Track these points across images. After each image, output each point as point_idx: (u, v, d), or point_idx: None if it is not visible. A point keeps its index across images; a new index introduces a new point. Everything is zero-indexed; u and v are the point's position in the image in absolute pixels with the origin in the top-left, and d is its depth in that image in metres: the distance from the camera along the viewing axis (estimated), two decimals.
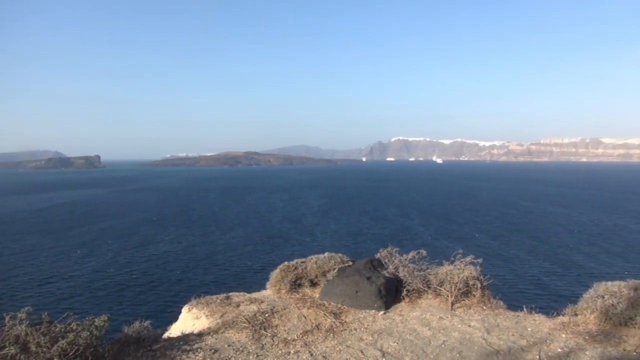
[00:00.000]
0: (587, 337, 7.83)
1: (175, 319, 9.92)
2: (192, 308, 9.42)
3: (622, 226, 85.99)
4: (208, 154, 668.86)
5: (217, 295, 9.93)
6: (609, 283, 9.06)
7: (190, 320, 9.12)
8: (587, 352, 7.31)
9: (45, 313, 6.54)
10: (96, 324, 6.60)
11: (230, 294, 10.15)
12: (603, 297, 8.62)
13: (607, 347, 7.46)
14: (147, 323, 7.62)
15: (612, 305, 8.34)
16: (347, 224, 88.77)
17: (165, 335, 8.40)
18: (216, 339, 7.77)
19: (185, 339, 7.72)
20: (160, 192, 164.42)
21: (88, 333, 6.38)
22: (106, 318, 6.78)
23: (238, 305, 9.34)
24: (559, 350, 7.42)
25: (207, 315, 8.94)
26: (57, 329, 6.32)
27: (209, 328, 8.29)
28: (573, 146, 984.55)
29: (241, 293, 10.31)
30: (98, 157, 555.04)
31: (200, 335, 7.94)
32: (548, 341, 7.77)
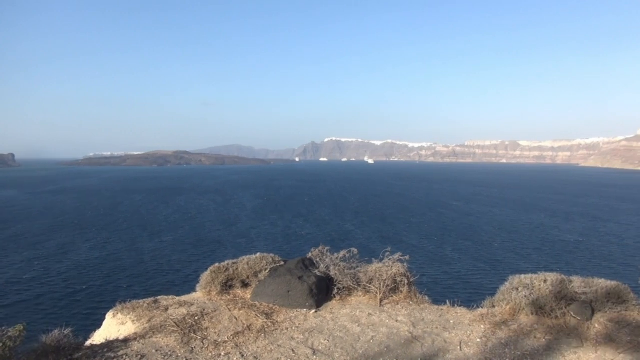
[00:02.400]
0: (503, 327, 8.40)
1: (99, 326, 9.47)
2: (117, 313, 9.03)
3: (539, 223, 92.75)
4: (135, 153, 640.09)
5: (144, 300, 9.58)
6: (523, 276, 9.76)
7: (115, 326, 8.75)
8: (502, 341, 7.85)
9: None
10: (10, 334, 6.17)
11: (159, 297, 9.83)
12: (517, 290, 9.28)
13: (520, 335, 8.06)
14: (67, 331, 7.22)
15: (525, 296, 9.00)
16: (281, 225, 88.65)
17: (88, 343, 8.01)
18: (143, 344, 7.52)
19: (110, 345, 7.41)
20: (82, 194, 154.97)
21: (0, 344, 5.96)
22: (22, 327, 6.36)
23: (166, 309, 9.08)
24: (478, 340, 7.92)
25: (133, 321, 8.61)
26: None
27: (135, 333, 8.00)
28: (494, 148, 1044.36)
29: (170, 296, 10.02)
30: (12, 155, 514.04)
31: (125, 341, 7.65)
32: (468, 332, 8.26)
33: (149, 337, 7.78)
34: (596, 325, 8.29)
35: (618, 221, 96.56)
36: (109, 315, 9.18)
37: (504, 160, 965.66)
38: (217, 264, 10.65)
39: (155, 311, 8.96)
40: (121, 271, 53.41)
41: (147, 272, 53.20)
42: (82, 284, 48.15)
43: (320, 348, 7.61)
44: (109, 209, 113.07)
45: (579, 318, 8.47)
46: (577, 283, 9.42)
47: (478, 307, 9.58)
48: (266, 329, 8.35)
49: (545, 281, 9.26)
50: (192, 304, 9.43)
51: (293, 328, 8.48)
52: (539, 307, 8.78)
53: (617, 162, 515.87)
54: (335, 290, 10.17)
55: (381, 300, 9.79)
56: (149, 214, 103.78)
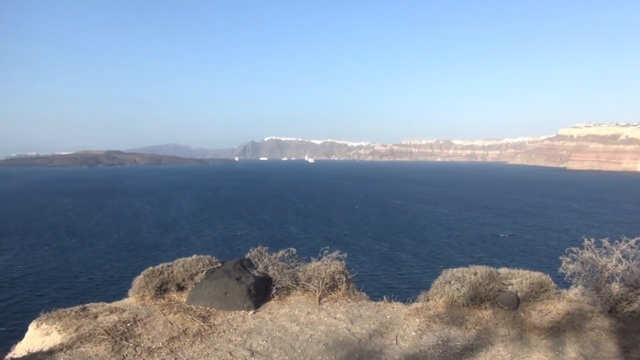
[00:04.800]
0: (436, 320, 8.71)
1: (21, 338, 8.85)
2: (42, 323, 8.46)
3: (473, 219, 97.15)
4: (63, 153, 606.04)
5: (72, 308, 9.02)
6: (455, 270, 10.18)
7: (39, 337, 8.20)
8: (436, 333, 8.15)
9: None
10: None
11: (87, 304, 9.31)
12: (450, 283, 9.66)
13: (452, 327, 8.40)
14: None
15: (457, 289, 9.39)
16: (221, 227, 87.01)
17: (8, 356, 7.48)
18: (70, 355, 7.11)
19: (32, 358, 6.97)
20: (2, 197, 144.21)
21: None
22: None
23: (96, 317, 8.63)
24: (413, 333, 8.17)
25: (59, 330, 8.11)
26: None
27: (61, 344, 7.55)
28: (429, 147, 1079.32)
29: (100, 303, 9.54)
30: None
31: (50, 352, 7.20)
32: (404, 326, 8.49)
33: (77, 347, 7.37)
34: (522, 314, 8.79)
35: (542, 215, 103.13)
36: (32, 326, 8.59)
37: (439, 159, 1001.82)
38: (150, 268, 10.29)
39: (83, 319, 8.49)
40: (49, 283, 49.53)
41: (77, 283, 49.82)
42: (1, 297, 44.65)
43: (258, 349, 7.55)
44: (33, 213, 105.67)
45: (506, 308, 8.95)
46: (505, 274, 9.96)
47: (413, 301, 9.89)
48: (203, 333, 8.16)
49: (475, 274, 9.71)
50: (123, 310, 9.03)
51: (231, 330, 8.35)
52: (469, 299, 9.20)
53: (541, 159, 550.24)
54: (274, 290, 10.12)
55: (320, 299, 9.86)
56: (79, 219, 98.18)
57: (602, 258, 9.04)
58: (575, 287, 9.42)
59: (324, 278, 10.02)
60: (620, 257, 8.89)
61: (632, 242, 8.84)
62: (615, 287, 8.65)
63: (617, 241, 9.06)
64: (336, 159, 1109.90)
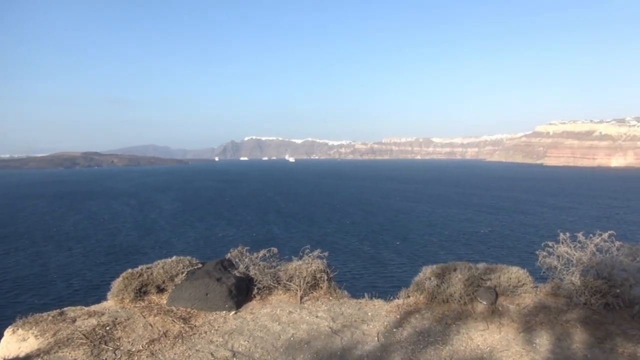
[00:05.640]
0: (417, 316, 8.81)
1: None
2: (18, 329, 8.29)
3: (454, 216, 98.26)
4: (38, 155, 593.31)
5: (49, 312, 8.87)
6: (435, 266, 10.29)
7: (15, 343, 8.03)
8: (416, 329, 8.24)
9: None
10: None
11: (65, 309, 9.15)
12: (430, 279, 9.76)
13: (433, 322, 8.50)
14: None
15: (437, 285, 9.50)
16: (203, 229, 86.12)
17: None
18: None
19: None
20: None
21: None
22: None
23: (74, 321, 8.48)
24: (394, 330, 8.25)
25: (36, 336, 7.95)
26: None
27: (38, 349, 7.41)
28: (409, 145, 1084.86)
29: (78, 307, 9.37)
30: None
31: (27, 358, 7.07)
32: (385, 323, 8.57)
33: (54, 352, 7.25)
34: (500, 308, 8.94)
35: (521, 211, 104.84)
36: (7, 332, 8.41)
37: (419, 157, 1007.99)
38: (129, 270, 10.17)
39: (61, 324, 8.35)
40: (25, 290, 48.12)
41: (55, 289, 48.43)
42: None
43: (240, 349, 7.53)
44: (7, 217, 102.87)
45: (484, 302, 9.09)
46: (483, 270, 10.11)
47: (394, 298, 9.97)
48: (184, 334, 8.10)
49: (454, 270, 9.84)
50: (102, 314, 8.90)
51: (212, 331, 8.30)
52: (449, 295, 9.31)
53: (518, 156, 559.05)
54: (256, 290, 10.10)
55: (301, 298, 9.87)
56: (56, 222, 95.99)
57: (577, 252, 9.26)
58: (552, 280, 9.62)
59: (305, 277, 10.03)
60: (595, 250, 9.12)
61: (606, 235, 9.07)
62: (590, 280, 8.86)
63: (591, 235, 9.29)
64: (317, 158, 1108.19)
